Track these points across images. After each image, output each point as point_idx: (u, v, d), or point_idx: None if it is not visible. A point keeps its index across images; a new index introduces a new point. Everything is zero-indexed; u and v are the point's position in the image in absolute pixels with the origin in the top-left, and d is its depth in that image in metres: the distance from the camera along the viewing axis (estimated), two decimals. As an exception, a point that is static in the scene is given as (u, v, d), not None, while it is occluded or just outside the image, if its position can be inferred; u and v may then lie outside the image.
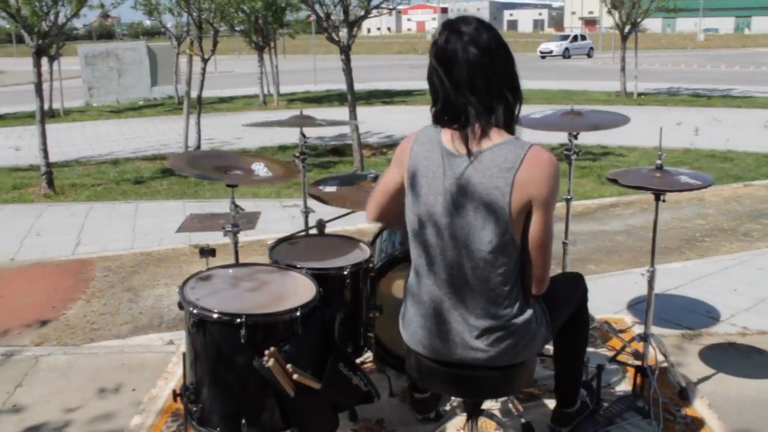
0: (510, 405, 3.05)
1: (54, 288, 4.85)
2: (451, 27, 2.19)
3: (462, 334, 2.20)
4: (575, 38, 42.74)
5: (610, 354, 3.51)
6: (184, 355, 2.55)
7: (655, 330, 3.83)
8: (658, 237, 3.04)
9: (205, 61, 9.43)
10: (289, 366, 2.33)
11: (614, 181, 2.76)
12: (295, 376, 2.33)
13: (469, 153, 2.11)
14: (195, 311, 2.43)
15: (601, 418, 2.95)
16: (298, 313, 2.42)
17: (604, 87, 18.56)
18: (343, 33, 7.79)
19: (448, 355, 2.24)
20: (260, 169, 2.93)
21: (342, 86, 19.01)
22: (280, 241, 3.17)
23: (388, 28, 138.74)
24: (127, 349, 3.87)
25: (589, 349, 3.63)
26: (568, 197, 3.47)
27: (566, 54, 40.46)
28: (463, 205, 2.11)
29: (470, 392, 2.35)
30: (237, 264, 2.90)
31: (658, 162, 2.78)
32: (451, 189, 2.13)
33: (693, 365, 3.49)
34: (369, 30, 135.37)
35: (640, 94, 16.55)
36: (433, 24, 58.59)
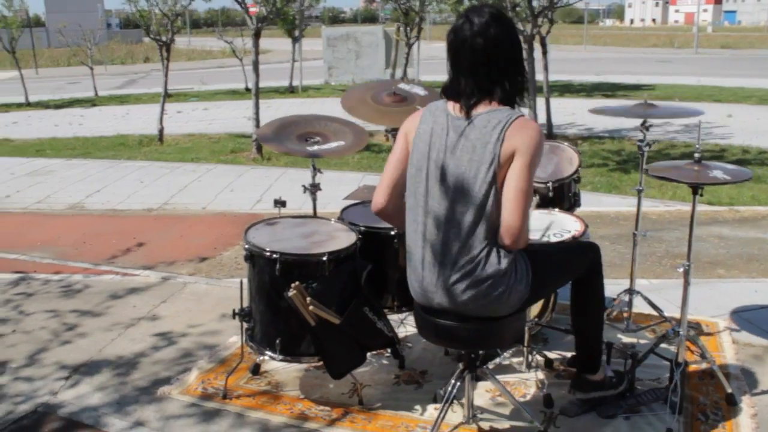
0: (535, 377, 3.21)
1: (222, 234, 5.74)
2: (467, 16, 2.48)
3: (440, 281, 2.47)
4: None
5: (653, 345, 3.45)
6: (241, 282, 3.11)
7: (746, 337, 3.71)
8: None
9: (409, 45, 10.05)
10: (308, 299, 2.77)
11: (645, 172, 2.80)
12: (311, 308, 2.76)
13: (468, 116, 2.43)
14: (247, 246, 2.97)
15: (624, 403, 3.02)
16: (325, 258, 2.86)
17: None
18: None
19: (429, 300, 2.53)
20: (336, 138, 3.39)
21: (580, 77, 18.65)
22: (357, 204, 3.62)
23: (653, 20, 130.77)
24: (254, 286, 4.56)
25: (637, 340, 3.66)
26: (640, 188, 3.47)
27: None
28: (460, 158, 2.41)
29: (450, 341, 2.62)
30: (304, 216, 3.39)
31: (696, 155, 2.77)
32: (452, 145, 2.43)
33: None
34: (632, 21, 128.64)
35: None
36: (703, 16, 53.68)
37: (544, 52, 9.40)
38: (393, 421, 2.95)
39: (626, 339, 3.67)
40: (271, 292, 2.94)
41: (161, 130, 10.22)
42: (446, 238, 2.45)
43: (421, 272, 2.53)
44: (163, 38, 10.25)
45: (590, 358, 2.91)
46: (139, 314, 4.14)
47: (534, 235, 3.02)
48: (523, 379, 3.26)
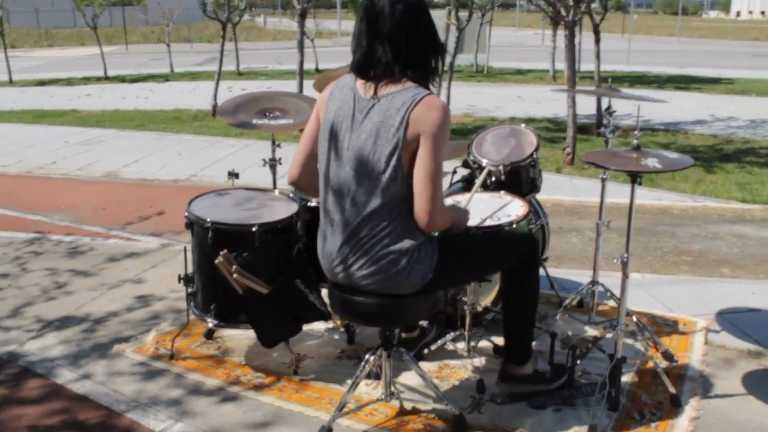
0: (477, 362, 3.17)
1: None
2: None
3: (341, 257, 2.49)
4: None
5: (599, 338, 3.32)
6: (185, 248, 3.19)
7: (722, 339, 3.54)
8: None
9: (459, 30, 9.93)
10: (234, 267, 2.83)
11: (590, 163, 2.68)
12: (234, 276, 2.82)
13: (375, 96, 2.40)
14: (187, 214, 3.05)
15: (559, 395, 2.93)
16: (255, 229, 2.91)
17: None
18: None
19: (335, 275, 2.55)
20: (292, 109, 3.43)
21: (662, 69, 18.01)
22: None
23: (762, 12, 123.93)
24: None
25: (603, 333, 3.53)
26: (604, 177, 3.34)
27: None
28: (365, 140, 2.40)
29: (355, 317, 2.62)
30: (257, 189, 3.45)
31: (635, 142, 2.65)
32: (358, 128, 2.42)
33: (730, 380, 3.16)
34: (738, 13, 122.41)
35: None
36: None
37: (597, 40, 9.11)
38: (320, 393, 2.98)
39: (592, 332, 3.56)
40: (207, 260, 3.01)
41: (214, 106, 10.49)
42: (349, 217, 2.45)
43: (326, 248, 2.54)
44: (221, 18, 10.49)
45: (516, 348, 2.84)
46: (126, 276, 4.32)
47: (472, 220, 2.97)
48: (464, 364, 3.22)
